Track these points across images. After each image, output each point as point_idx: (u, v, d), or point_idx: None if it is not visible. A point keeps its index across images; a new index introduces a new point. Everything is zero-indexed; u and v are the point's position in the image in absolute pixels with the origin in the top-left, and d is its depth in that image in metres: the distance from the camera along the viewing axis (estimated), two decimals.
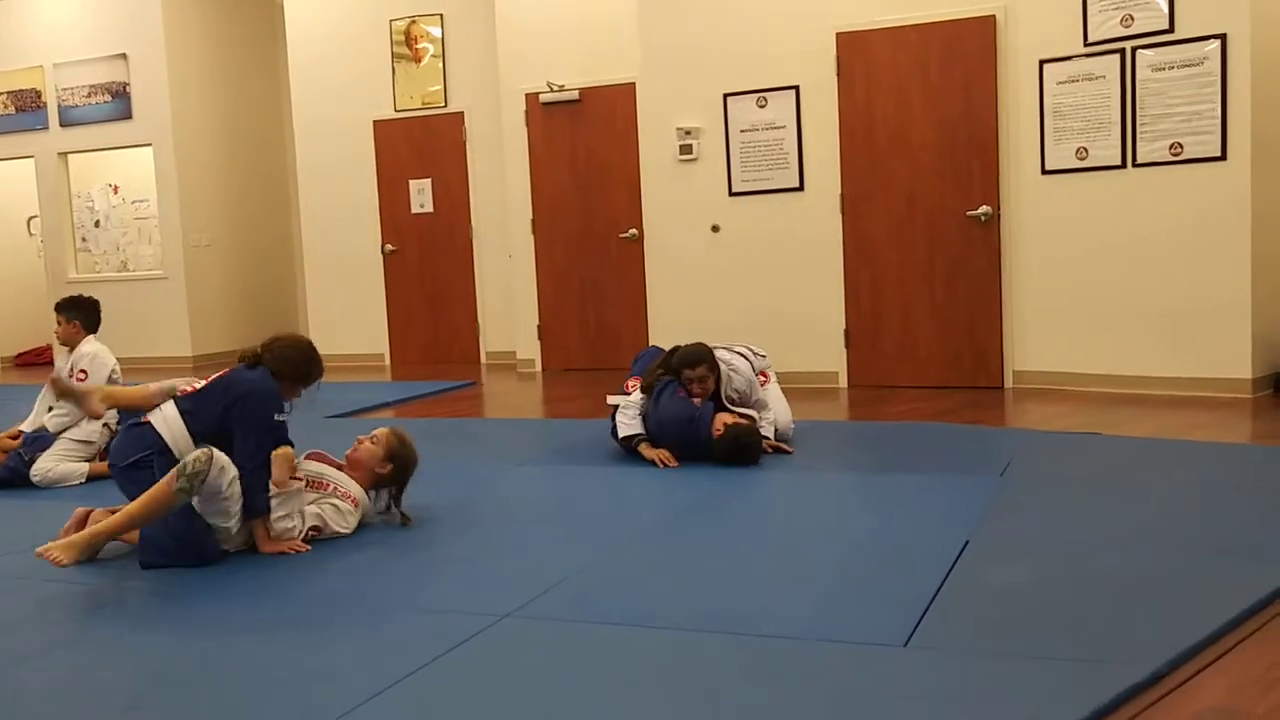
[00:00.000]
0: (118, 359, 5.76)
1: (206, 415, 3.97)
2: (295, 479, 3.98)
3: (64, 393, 4.59)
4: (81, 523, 4.02)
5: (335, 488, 4.13)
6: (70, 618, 3.41)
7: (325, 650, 3.09)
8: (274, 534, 3.93)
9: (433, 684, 2.76)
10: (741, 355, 5.41)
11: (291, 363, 4.12)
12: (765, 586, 3.43)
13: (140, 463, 3.89)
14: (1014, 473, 4.71)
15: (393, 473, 4.25)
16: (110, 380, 5.51)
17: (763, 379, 5.51)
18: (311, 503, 4.05)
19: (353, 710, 2.59)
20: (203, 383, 4.13)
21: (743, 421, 5.11)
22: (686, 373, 5.17)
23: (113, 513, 3.95)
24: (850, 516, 4.45)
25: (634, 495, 4.73)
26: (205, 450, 3.73)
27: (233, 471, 3.79)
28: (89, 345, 5.61)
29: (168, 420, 3.97)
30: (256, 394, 3.96)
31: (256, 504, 3.90)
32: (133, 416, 4.20)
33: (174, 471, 3.70)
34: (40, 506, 4.96)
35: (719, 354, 5.29)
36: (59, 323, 5.70)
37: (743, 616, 3.12)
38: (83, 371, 5.49)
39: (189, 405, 4.00)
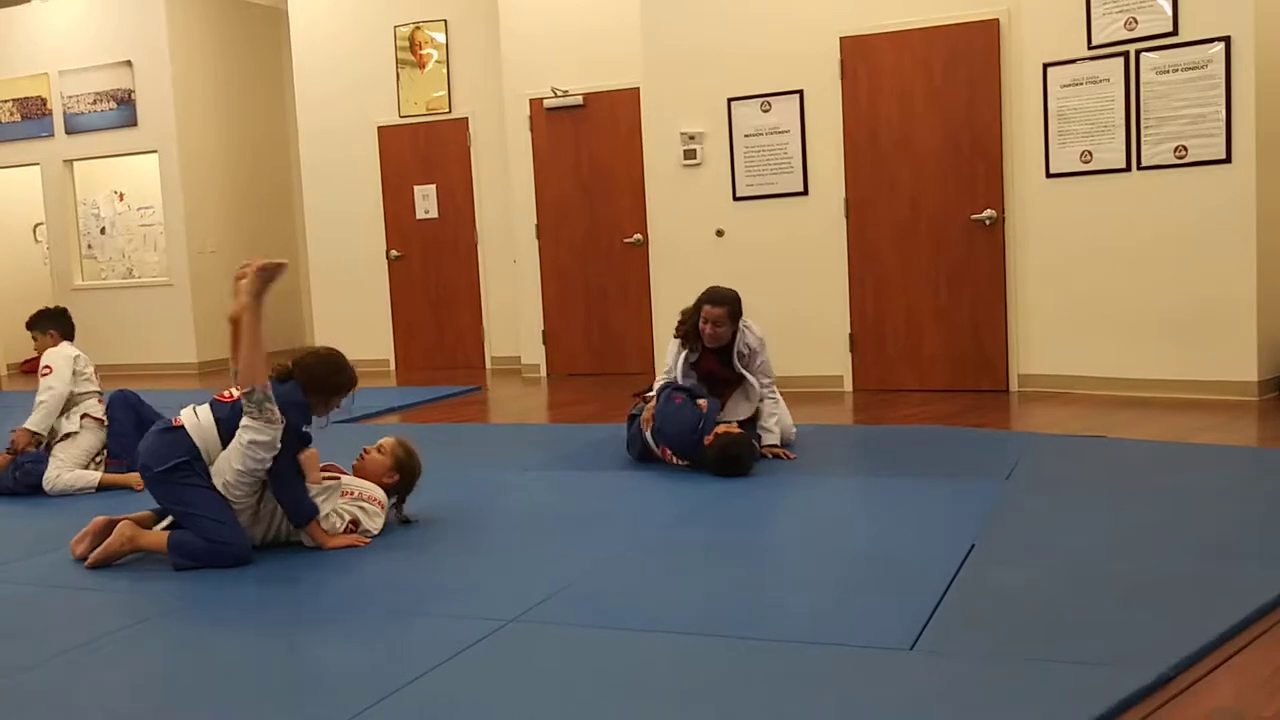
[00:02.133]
0: (122, 365, 5.77)
1: (237, 425, 3.97)
2: (329, 477, 4.10)
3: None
4: (101, 531, 4.01)
5: (359, 493, 4.21)
6: (88, 621, 3.41)
7: (330, 656, 3.09)
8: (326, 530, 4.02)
9: (438, 690, 2.75)
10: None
11: (319, 376, 4.13)
12: (771, 591, 3.43)
13: (177, 468, 3.88)
14: (1020, 476, 4.70)
15: (399, 483, 4.33)
16: (75, 374, 5.51)
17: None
18: (340, 505, 4.13)
19: (358, 715, 2.58)
20: (239, 392, 4.13)
21: (734, 429, 5.03)
22: (707, 309, 5.18)
23: (141, 522, 3.99)
24: (856, 521, 4.45)
25: (639, 500, 4.73)
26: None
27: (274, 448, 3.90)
28: (58, 348, 5.62)
29: (202, 426, 3.97)
30: (282, 406, 3.97)
31: (303, 509, 3.98)
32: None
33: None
34: (52, 513, 4.98)
35: (746, 321, 5.34)
36: (35, 339, 5.72)
37: (748, 621, 3.12)
38: (47, 367, 5.51)
39: (223, 414, 3.99)
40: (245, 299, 3.96)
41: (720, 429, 5.01)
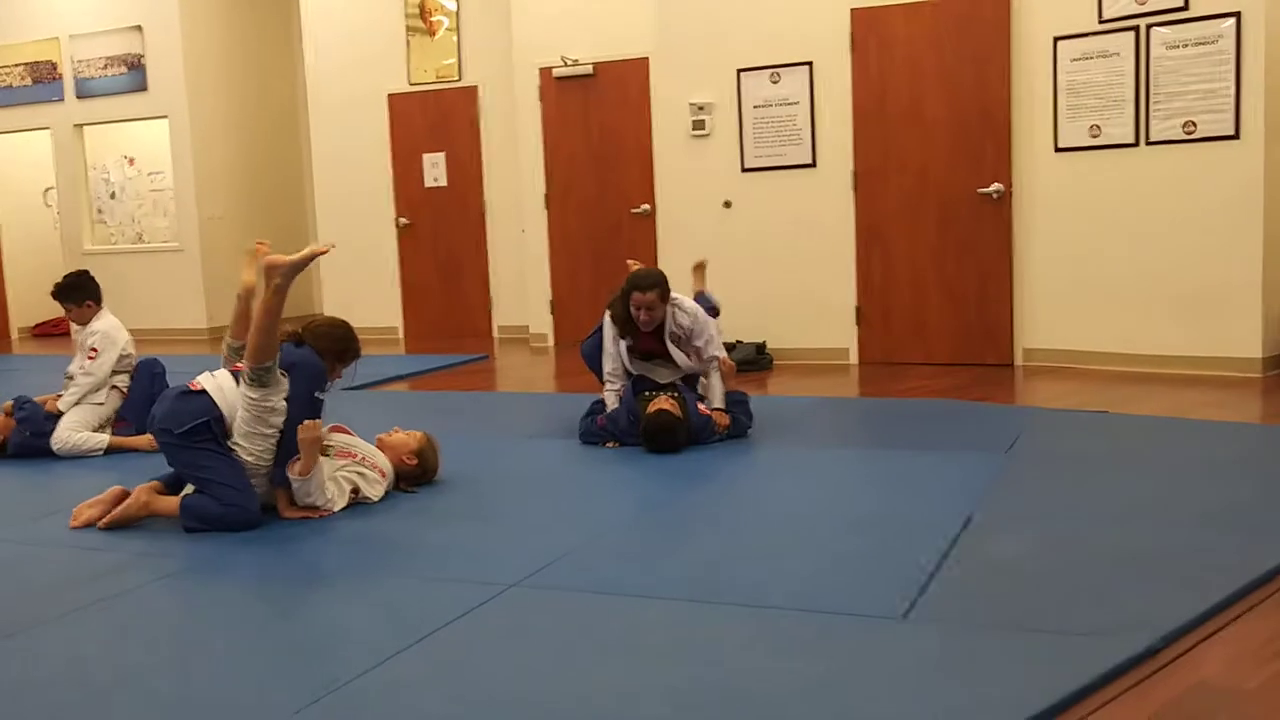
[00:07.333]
0: (132, 330, 5.80)
1: None
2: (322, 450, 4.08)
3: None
4: (114, 500, 4.06)
5: (364, 458, 4.25)
6: (98, 580, 3.46)
7: (334, 617, 3.14)
8: (311, 502, 4.03)
9: (439, 652, 2.81)
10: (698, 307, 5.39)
11: (330, 340, 4.20)
12: (769, 559, 3.47)
13: (195, 430, 3.92)
14: (1021, 449, 4.73)
15: (414, 469, 4.38)
16: (122, 358, 5.52)
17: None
18: (341, 469, 4.15)
19: (360, 676, 2.64)
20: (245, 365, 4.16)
21: (665, 405, 4.95)
22: (636, 296, 5.12)
23: (155, 490, 4.03)
24: (855, 491, 4.48)
25: (642, 468, 4.77)
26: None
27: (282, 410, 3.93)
28: (99, 321, 5.56)
29: (223, 389, 4.02)
30: (302, 366, 4.02)
31: (280, 474, 4.01)
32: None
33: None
34: (64, 474, 5.05)
35: (674, 296, 5.27)
36: (69, 310, 5.63)
37: (746, 588, 3.17)
38: (93, 350, 5.46)
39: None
40: (278, 281, 3.93)
41: (652, 407, 4.97)
